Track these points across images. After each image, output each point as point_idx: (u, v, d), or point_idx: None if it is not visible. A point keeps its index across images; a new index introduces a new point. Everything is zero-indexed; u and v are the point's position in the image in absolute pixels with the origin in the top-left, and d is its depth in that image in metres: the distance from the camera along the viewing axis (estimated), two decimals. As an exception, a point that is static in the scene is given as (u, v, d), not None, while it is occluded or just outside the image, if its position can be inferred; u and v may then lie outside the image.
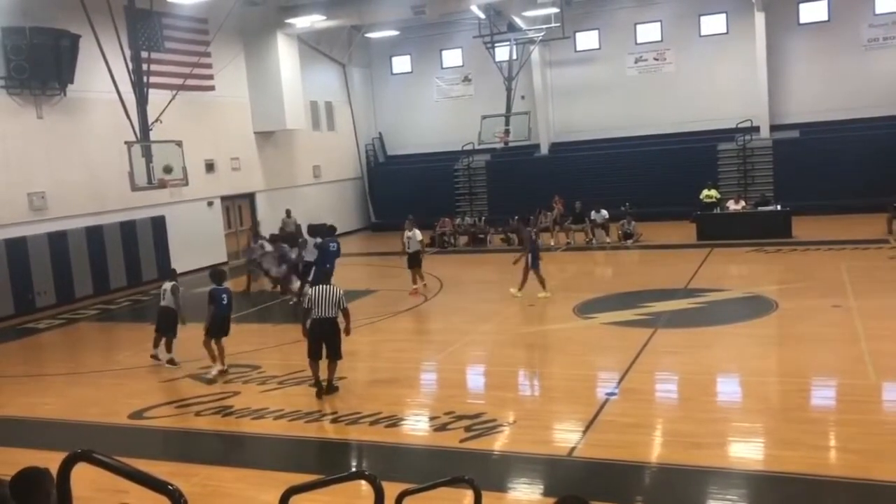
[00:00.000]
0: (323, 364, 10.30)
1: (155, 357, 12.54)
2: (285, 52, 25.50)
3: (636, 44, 29.14)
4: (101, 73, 17.36)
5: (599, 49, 29.70)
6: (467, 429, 8.68)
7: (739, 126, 26.64)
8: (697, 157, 27.15)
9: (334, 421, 9.44)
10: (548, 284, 15.82)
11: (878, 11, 26.12)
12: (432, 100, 32.23)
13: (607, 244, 22.79)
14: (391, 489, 4.99)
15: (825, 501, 6.91)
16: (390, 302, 16.60)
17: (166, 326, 12.43)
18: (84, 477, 3.17)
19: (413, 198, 27.42)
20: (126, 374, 12.30)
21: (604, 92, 29.31)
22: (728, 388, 10.15)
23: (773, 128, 27.27)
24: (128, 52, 17.45)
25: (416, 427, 9.25)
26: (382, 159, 32.98)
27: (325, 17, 25.05)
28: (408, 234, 17.57)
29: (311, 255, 16.75)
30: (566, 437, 8.56)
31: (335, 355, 10.27)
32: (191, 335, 12.77)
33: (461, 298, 16.77)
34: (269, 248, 18.65)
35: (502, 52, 28.03)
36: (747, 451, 7.93)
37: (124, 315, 17.82)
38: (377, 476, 4.76)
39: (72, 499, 2.94)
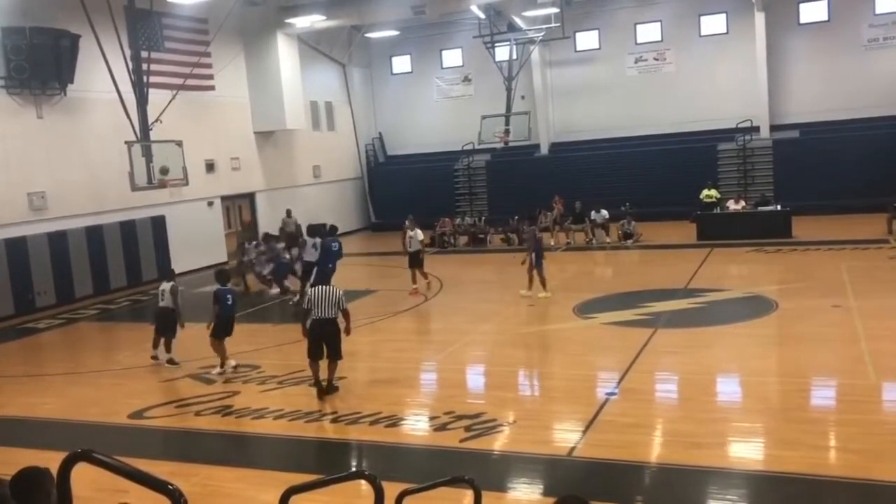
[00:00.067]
0: (323, 364, 10.30)
1: (155, 358, 12.55)
2: (285, 52, 25.50)
3: (636, 44, 29.14)
4: (101, 73, 17.36)
5: (599, 49, 29.70)
6: (467, 429, 8.68)
7: (739, 126, 26.64)
8: (697, 157, 27.15)
9: (334, 421, 9.44)
10: (548, 284, 15.81)
11: (878, 11, 26.12)
12: (432, 100, 32.24)
13: (607, 244, 22.79)
14: (391, 489, 5.00)
15: (825, 501, 6.91)
16: (390, 302, 16.60)
17: (165, 327, 12.43)
18: (84, 477, 3.16)
19: (413, 198, 27.40)
20: (126, 374, 12.30)
21: (604, 92, 29.31)
22: (728, 388, 10.14)
23: (773, 128, 27.27)
24: (128, 52, 17.45)
25: (416, 427, 9.25)
26: (382, 159, 32.98)
27: (325, 17, 25.05)
28: (410, 233, 17.59)
29: (310, 255, 16.73)
30: (566, 436, 8.56)
31: (335, 355, 10.27)
32: (190, 335, 12.77)
33: (461, 298, 16.77)
34: (262, 247, 18.66)
35: (502, 52, 28.03)
36: (747, 451, 7.93)
37: (124, 315, 17.82)
38: (377, 476, 4.76)
39: (72, 498, 2.94)
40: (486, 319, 14.42)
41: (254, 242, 19.01)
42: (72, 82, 18.64)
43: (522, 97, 29.42)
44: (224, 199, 24.50)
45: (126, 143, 17.37)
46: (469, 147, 28.86)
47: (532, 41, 27.74)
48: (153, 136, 17.78)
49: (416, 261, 17.36)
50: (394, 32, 29.92)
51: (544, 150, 30.41)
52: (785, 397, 9.42)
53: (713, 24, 28.09)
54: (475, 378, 11.61)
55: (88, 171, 19.49)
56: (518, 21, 27.40)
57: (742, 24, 27.21)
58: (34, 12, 18.00)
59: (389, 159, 33.04)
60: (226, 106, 24.37)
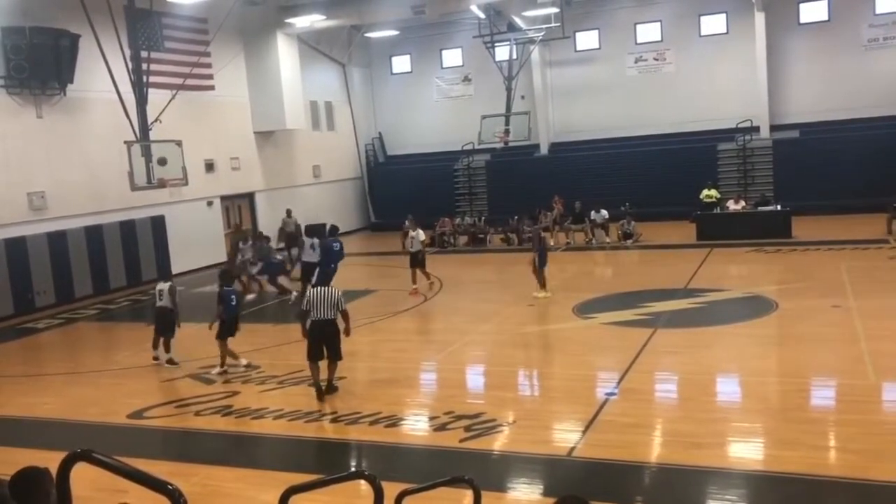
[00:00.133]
0: (323, 365, 10.29)
1: (156, 358, 12.56)
2: (285, 52, 25.50)
3: (636, 44, 29.15)
4: (100, 73, 17.36)
5: (599, 49, 29.71)
6: (467, 429, 8.68)
7: (739, 126, 26.64)
8: (697, 157, 27.15)
9: (334, 421, 9.44)
10: (549, 285, 15.80)
11: (878, 11, 26.13)
12: (432, 100, 32.23)
13: (607, 244, 22.79)
14: (391, 489, 4.99)
15: (825, 501, 6.91)
16: (390, 302, 16.59)
17: (164, 326, 12.43)
18: (84, 477, 3.16)
19: (413, 198, 27.42)
20: (125, 374, 12.30)
21: (604, 92, 29.31)
22: (728, 388, 10.14)
23: (773, 128, 27.28)
24: (128, 52, 17.46)
25: (416, 427, 9.25)
26: (382, 159, 32.97)
27: (324, 17, 25.05)
28: (411, 233, 17.63)
29: (308, 255, 16.74)
30: (566, 436, 8.56)
31: (335, 356, 10.26)
32: (191, 335, 12.77)
33: (461, 298, 16.77)
34: (256, 246, 18.63)
35: (502, 52, 28.03)
36: (747, 451, 7.93)
37: (124, 315, 17.82)
38: (377, 476, 4.76)
39: (71, 498, 2.94)
40: (485, 319, 14.42)
41: (249, 242, 18.99)
42: (71, 82, 18.64)
43: (522, 97, 29.42)
44: (224, 198, 24.49)
45: (126, 142, 17.38)
46: (469, 147, 28.86)
47: (532, 41, 27.74)
48: (153, 136, 17.78)
49: (416, 261, 17.36)
50: (394, 32, 29.92)
51: (544, 150, 30.41)
52: (785, 397, 9.42)
53: (713, 24, 28.09)
54: (475, 378, 11.61)
55: (88, 170, 19.49)
56: (518, 21, 27.40)
57: (742, 24, 27.22)
58: (34, 12, 17.99)
59: (389, 159, 33.03)
60: (225, 106, 24.37)
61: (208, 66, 23.04)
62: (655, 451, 8.00)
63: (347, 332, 10.46)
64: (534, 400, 10.39)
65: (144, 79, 17.61)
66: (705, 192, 24.22)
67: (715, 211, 23.10)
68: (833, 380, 10.02)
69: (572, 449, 8.03)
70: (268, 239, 19.55)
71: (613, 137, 29.06)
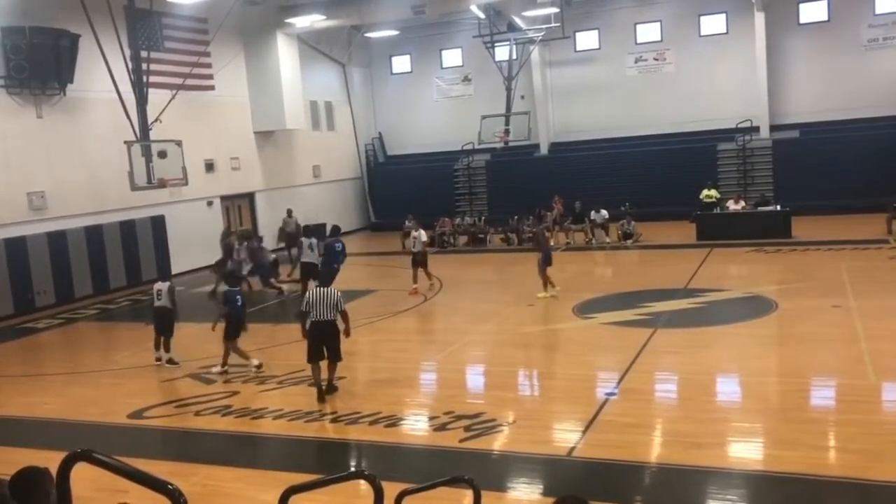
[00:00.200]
0: (323, 364, 10.28)
1: (159, 359, 12.55)
2: (285, 52, 25.50)
3: (636, 44, 29.14)
4: (100, 73, 17.36)
5: (599, 49, 29.70)
6: (467, 429, 8.68)
7: (739, 126, 26.64)
8: (697, 157, 27.15)
9: (334, 421, 9.44)
10: (550, 284, 15.77)
11: (878, 11, 26.13)
12: (432, 100, 32.23)
13: (607, 244, 22.79)
14: (391, 489, 4.99)
15: (825, 501, 6.91)
16: (390, 302, 16.59)
17: (164, 326, 12.43)
18: (84, 476, 3.16)
19: (413, 198, 27.43)
20: (125, 374, 12.30)
21: (604, 92, 29.31)
22: (728, 388, 10.15)
23: (773, 128, 27.28)
24: (127, 52, 17.46)
25: (416, 427, 9.25)
26: (382, 159, 32.97)
27: (324, 17, 25.05)
28: (413, 234, 17.67)
29: (307, 255, 16.74)
30: (566, 436, 8.56)
31: (335, 357, 10.25)
32: (191, 335, 12.77)
33: (461, 298, 16.77)
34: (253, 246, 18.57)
35: (502, 52, 28.02)
36: (747, 451, 7.93)
37: (124, 315, 17.82)
38: (377, 476, 4.76)
39: (71, 498, 2.94)
40: (485, 319, 14.42)
41: (244, 243, 18.96)
42: (71, 82, 18.64)
43: (522, 97, 29.42)
44: (224, 198, 24.50)
45: (126, 142, 17.37)
46: (469, 147, 28.86)
47: (532, 41, 27.74)
48: (153, 136, 17.78)
49: (417, 261, 17.36)
50: (394, 32, 29.92)
51: (544, 150, 30.41)
52: (784, 397, 9.42)
53: (713, 24, 28.09)
54: (475, 378, 11.61)
55: (88, 170, 19.49)
56: (518, 21, 27.40)
57: (742, 24, 27.22)
58: (34, 12, 17.99)
59: (389, 159, 33.03)
60: (225, 106, 24.37)
61: (208, 66, 23.04)
62: (655, 451, 8.00)
63: (347, 333, 10.45)
64: (534, 400, 10.39)
65: (144, 79, 17.60)
66: (705, 192, 24.22)
67: (715, 211, 23.10)
68: (833, 380, 10.02)
69: (572, 449, 8.03)
70: (260, 239, 19.55)
71: (613, 137, 29.06)
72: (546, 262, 15.71)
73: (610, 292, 16.22)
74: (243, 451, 8.94)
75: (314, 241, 16.99)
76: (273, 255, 19.09)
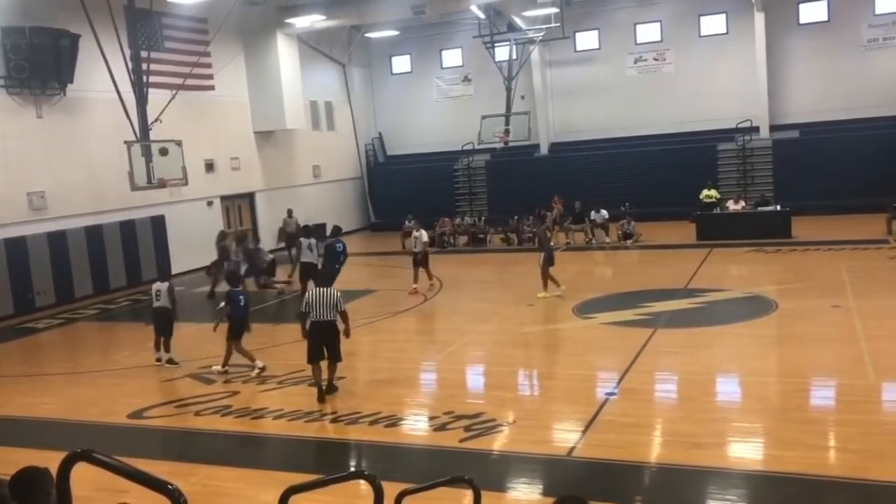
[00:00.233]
0: (323, 365, 10.28)
1: (159, 360, 12.55)
2: (285, 52, 25.50)
3: (636, 44, 29.14)
4: (100, 73, 17.36)
5: (599, 49, 29.71)
6: (467, 429, 8.68)
7: (739, 126, 26.64)
8: (697, 157, 27.15)
9: (334, 421, 9.44)
10: (552, 284, 15.75)
11: (878, 11, 26.12)
12: (432, 100, 32.23)
13: (607, 244, 22.79)
14: (390, 489, 5.00)
15: (825, 501, 6.91)
16: (390, 302, 16.59)
17: (164, 326, 12.43)
18: (84, 477, 3.16)
19: (413, 198, 27.44)
20: (125, 374, 12.30)
21: (604, 92, 29.31)
22: (728, 388, 10.15)
23: (773, 128, 27.28)
24: (127, 52, 17.46)
25: (416, 427, 9.25)
26: (382, 159, 32.97)
27: (325, 17, 25.05)
28: (415, 234, 17.70)
29: (306, 255, 16.73)
30: (566, 436, 8.56)
31: (335, 357, 10.25)
32: (191, 335, 12.77)
33: (461, 298, 16.78)
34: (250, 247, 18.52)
35: (502, 52, 28.03)
36: (747, 451, 7.93)
37: (124, 315, 17.81)
38: (377, 476, 4.76)
39: (71, 498, 2.94)
40: (485, 319, 14.42)
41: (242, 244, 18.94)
42: (71, 82, 18.64)
43: (522, 97, 29.42)
44: (224, 198, 24.50)
45: (126, 142, 17.38)
46: (469, 147, 28.86)
47: (532, 41, 27.74)
48: (153, 135, 17.78)
49: (418, 260, 17.37)
50: (394, 32, 29.92)
51: (544, 150, 30.41)
52: (784, 397, 9.42)
53: (713, 24, 28.09)
54: (475, 378, 11.61)
55: (88, 170, 19.49)
56: (518, 21, 27.40)
57: (742, 24, 27.22)
58: (34, 12, 17.99)
59: (389, 159, 33.03)
60: (225, 106, 24.37)
61: (208, 66, 23.04)
62: (655, 451, 8.00)
63: (347, 334, 10.44)
64: (534, 400, 10.39)
65: (144, 79, 17.60)
66: (705, 192, 24.22)
67: (715, 211, 23.10)
68: (833, 380, 10.02)
69: (572, 449, 8.03)
70: (257, 240, 19.52)
71: (613, 137, 29.06)
72: (548, 262, 15.70)
73: (610, 292, 16.22)
74: (243, 451, 8.94)
75: (313, 241, 16.99)
76: (271, 256, 19.08)
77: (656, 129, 28.30)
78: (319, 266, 16.10)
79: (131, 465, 2.82)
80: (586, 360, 11.66)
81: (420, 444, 8.75)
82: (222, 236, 18.81)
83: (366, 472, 5.34)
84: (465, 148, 29.20)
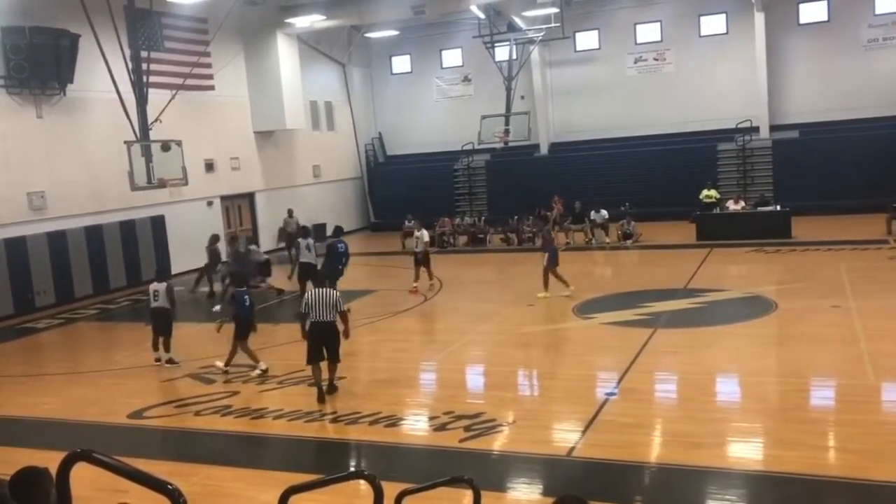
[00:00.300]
0: (323, 365, 10.27)
1: (158, 360, 12.54)
2: (285, 52, 25.50)
3: (636, 44, 29.15)
4: (100, 73, 17.36)
5: (599, 49, 29.71)
6: (467, 429, 8.68)
7: (739, 126, 26.64)
8: (697, 157, 27.16)
9: (334, 421, 9.44)
10: (550, 287, 15.74)
11: (878, 12, 26.13)
12: (432, 100, 32.24)
13: (607, 244, 22.79)
14: (390, 489, 5.00)
15: (825, 502, 6.91)
16: (390, 302, 16.60)
17: (164, 327, 12.43)
18: (83, 476, 3.17)
19: (413, 198, 27.45)
20: (125, 374, 12.30)
21: (604, 92, 29.31)
22: (728, 389, 10.14)
23: (773, 128, 27.28)
24: (127, 52, 17.46)
25: (416, 427, 9.25)
26: (382, 159, 32.98)
27: (324, 17, 25.05)
28: (416, 233, 17.72)
29: (305, 256, 16.73)
30: (565, 436, 8.56)
31: (335, 358, 10.24)
32: (191, 335, 12.76)
33: (461, 298, 16.78)
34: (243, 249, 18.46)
35: (502, 52, 28.03)
36: (747, 452, 7.93)
37: (124, 315, 17.81)
38: (376, 476, 4.76)
39: (71, 498, 2.94)
40: (485, 319, 14.42)
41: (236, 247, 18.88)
42: (71, 82, 18.63)
43: (522, 97, 29.42)
44: (224, 198, 24.50)
45: (126, 142, 17.38)
46: (469, 147, 28.86)
47: (532, 41, 27.74)
48: (153, 136, 17.78)
49: (419, 260, 17.37)
50: (394, 32, 29.92)
51: (544, 150, 30.41)
52: (784, 397, 9.42)
53: (713, 24, 28.09)
54: (475, 378, 11.61)
55: (88, 170, 19.49)
56: (518, 21, 27.40)
57: (742, 24, 27.22)
58: (34, 12, 17.99)
59: (389, 159, 33.03)
60: (225, 106, 24.37)
61: (208, 66, 23.04)
62: (655, 451, 8.00)
63: (346, 335, 10.41)
64: (533, 400, 10.39)
65: (144, 79, 17.61)
66: (705, 192, 24.23)
67: (715, 211, 23.10)
68: (833, 380, 10.02)
69: (572, 449, 8.03)
70: (249, 241, 19.48)
71: (613, 137, 29.06)
72: (552, 262, 15.67)
73: (610, 292, 16.23)
74: (243, 451, 8.94)
75: (311, 241, 17.01)
76: (265, 256, 19.01)
77: (656, 129, 28.30)
78: (319, 266, 16.08)
79: (131, 465, 2.82)
80: (586, 360, 11.66)
81: (420, 444, 8.75)
82: (214, 240, 18.77)
83: (366, 472, 5.34)
84: (465, 148, 29.20)
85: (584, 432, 8.43)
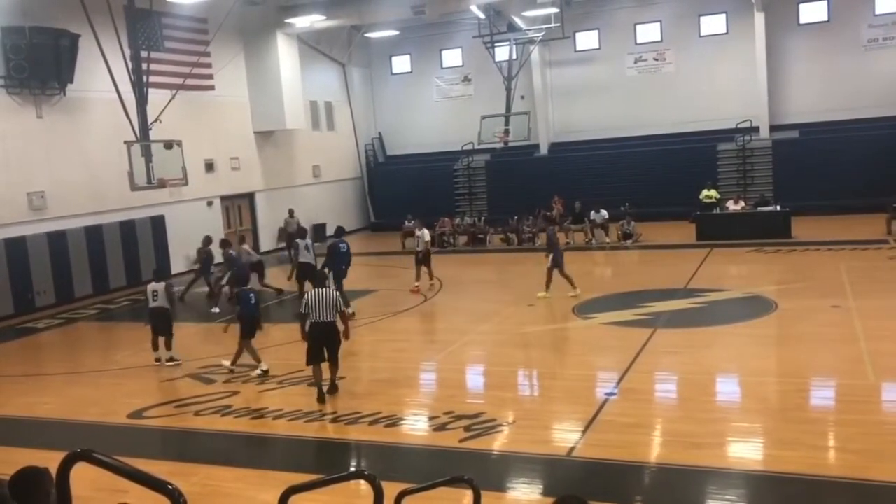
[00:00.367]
0: (324, 365, 10.26)
1: (158, 360, 12.54)
2: (285, 52, 25.50)
3: (636, 44, 29.15)
4: (100, 73, 17.36)
5: (599, 49, 29.71)
6: (467, 429, 8.68)
7: (739, 126, 26.64)
8: (697, 157, 27.16)
9: (334, 421, 9.44)
10: (555, 287, 15.70)
11: (878, 12, 26.14)
12: (432, 100, 32.24)
13: (607, 244, 22.79)
14: (390, 489, 5.00)
15: (824, 502, 6.91)
16: (390, 302, 16.60)
17: (164, 326, 12.43)
18: (83, 476, 3.17)
19: (413, 198, 27.45)
20: (125, 374, 12.30)
21: (604, 92, 29.32)
22: (727, 389, 10.14)
23: (773, 128, 27.28)
24: (127, 52, 17.46)
25: (416, 427, 9.25)
26: (382, 159, 32.98)
27: (324, 17, 25.05)
28: (417, 233, 17.74)
29: (303, 256, 16.74)
30: (565, 436, 8.56)
31: (335, 359, 10.22)
32: (191, 334, 12.76)
33: (461, 298, 16.78)
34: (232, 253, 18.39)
35: (502, 52, 28.02)
36: (747, 452, 7.93)
37: (124, 315, 17.81)
38: (376, 476, 4.76)
39: (71, 498, 2.95)
40: (485, 319, 14.42)
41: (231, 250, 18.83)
42: (71, 82, 18.63)
43: (522, 97, 29.42)
44: (224, 198, 24.50)
45: (125, 142, 17.37)
46: (469, 147, 28.86)
47: (532, 41, 27.74)
48: (153, 136, 17.77)
49: (420, 259, 17.38)
50: (394, 32, 29.93)
51: (544, 150, 30.41)
52: (784, 397, 9.42)
53: (713, 24, 28.10)
54: (475, 378, 11.61)
55: (88, 170, 19.49)
56: (518, 21, 27.40)
57: (742, 24, 27.22)
58: (34, 12, 17.99)
59: (389, 159, 33.04)
60: (225, 106, 24.37)
61: (208, 66, 23.03)
62: (655, 451, 8.00)
63: (346, 335, 10.37)
64: (533, 400, 10.39)
65: (144, 79, 17.60)
66: (705, 192, 24.23)
67: (715, 211, 23.10)
68: (833, 380, 10.02)
69: (572, 449, 8.03)
70: (241, 240, 19.43)
71: (613, 137, 29.06)
72: (556, 263, 15.63)
73: (610, 292, 16.23)
74: (243, 451, 8.95)
75: (309, 241, 17.02)
76: (257, 257, 18.96)
77: (656, 129, 28.31)
78: (327, 268, 16.08)
79: (131, 465, 2.82)
80: (586, 360, 11.66)
81: (420, 444, 8.75)
82: (207, 242, 18.73)
83: (366, 472, 5.35)
84: (465, 148, 29.20)
85: (584, 432, 8.43)
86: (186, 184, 19.16)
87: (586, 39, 29.83)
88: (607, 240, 23.02)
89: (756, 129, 27.04)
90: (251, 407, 10.06)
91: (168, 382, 11.67)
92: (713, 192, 24.28)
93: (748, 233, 20.97)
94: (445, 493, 6.10)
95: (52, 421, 10.20)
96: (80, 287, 18.98)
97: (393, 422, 9.17)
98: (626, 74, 29.35)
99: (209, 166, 23.58)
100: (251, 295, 11.82)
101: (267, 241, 26.00)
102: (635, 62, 29.25)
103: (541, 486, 7.46)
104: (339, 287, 14.63)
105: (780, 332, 12.60)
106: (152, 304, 12.44)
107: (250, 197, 25.83)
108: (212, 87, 23.55)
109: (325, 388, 10.13)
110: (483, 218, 26.23)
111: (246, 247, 19.25)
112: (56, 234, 18.48)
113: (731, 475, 7.23)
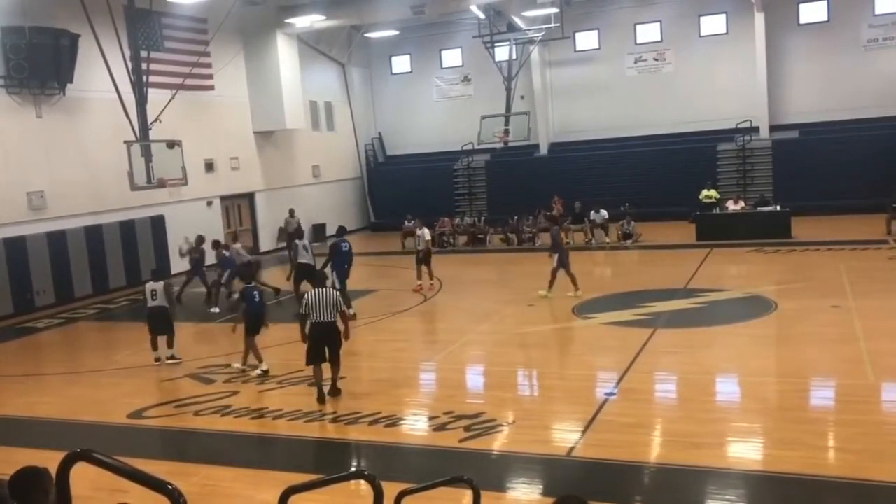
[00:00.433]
0: (325, 366, 10.25)
1: (158, 359, 12.53)
2: (285, 52, 25.51)
3: (636, 44, 29.15)
4: (100, 73, 17.36)
5: (599, 49, 29.71)
6: (466, 429, 8.68)
7: (739, 126, 26.64)
8: (697, 157, 27.16)
9: (334, 421, 9.44)
10: (556, 286, 15.69)
11: (877, 12, 26.14)
12: (432, 100, 32.24)
13: (607, 244, 22.79)
14: (390, 489, 5.00)
15: (824, 502, 6.91)
16: (390, 302, 16.59)
17: (164, 326, 12.42)
18: (83, 476, 3.17)
19: (412, 198, 27.46)
20: (125, 374, 12.30)
21: (603, 92, 29.32)
22: (727, 389, 10.14)
23: (773, 128, 27.28)
24: (127, 52, 17.47)
25: (416, 427, 9.25)
26: (382, 159, 32.98)
27: (324, 17, 25.06)
28: (418, 232, 17.76)
29: (302, 256, 16.74)
30: (565, 436, 8.56)
31: (336, 359, 10.21)
32: (189, 334, 12.75)
33: (461, 298, 16.77)
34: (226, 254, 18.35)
35: (502, 52, 28.02)
36: (746, 452, 7.93)
37: (123, 315, 17.80)
38: (376, 476, 4.76)
39: (71, 498, 2.95)
40: (485, 319, 14.42)
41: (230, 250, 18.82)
42: (71, 82, 18.63)
43: (522, 97, 29.42)
44: (223, 198, 24.50)
45: (125, 142, 17.37)
46: (469, 147, 28.86)
47: (532, 41, 27.74)
48: (152, 135, 17.77)
49: (420, 259, 17.38)
50: (393, 32, 29.93)
51: (544, 150, 30.41)
52: (784, 397, 9.42)
53: (713, 24, 28.10)
54: (474, 378, 11.61)
55: (87, 170, 19.48)
56: (518, 21, 27.40)
57: (742, 24, 27.22)
58: (34, 12, 17.99)
59: (389, 159, 33.04)
60: (225, 106, 24.37)
61: (208, 66, 23.03)
62: (655, 451, 8.00)
63: (346, 335, 10.33)
64: (533, 400, 10.39)
65: (144, 79, 17.61)
66: (705, 192, 24.25)
67: (714, 211, 23.11)
68: (832, 380, 10.02)
69: (572, 449, 8.03)
70: (233, 238, 19.41)
71: (613, 137, 29.06)
72: (562, 263, 15.62)
73: (610, 292, 16.23)
74: (243, 451, 8.94)
75: (307, 242, 17.03)
76: (249, 258, 18.96)
77: (656, 129, 28.31)
78: (330, 268, 16.07)
79: (131, 465, 2.82)
80: (586, 360, 11.66)
81: (420, 444, 8.75)
82: (200, 241, 18.72)
83: (366, 472, 5.35)
84: (464, 148, 29.20)
85: (583, 432, 8.42)
86: (186, 184, 19.16)
87: (586, 39, 29.83)
88: (607, 240, 23.02)
89: (756, 129, 27.04)
90: (251, 407, 10.05)
91: (168, 382, 11.67)
92: (713, 192, 24.29)
93: (748, 233, 20.97)
94: (445, 493, 6.10)
95: (51, 421, 10.19)
96: (79, 287, 18.98)
97: (393, 422, 9.17)
98: (626, 74, 29.35)
99: (209, 166, 23.58)
100: (255, 292, 11.81)
101: (267, 241, 26.00)
102: (635, 62, 29.26)
103: (541, 486, 7.46)
104: (342, 287, 14.62)
105: (779, 332, 12.60)
106: (151, 304, 12.44)
107: (250, 197, 25.83)
108: (212, 87, 23.55)
109: (325, 388, 10.12)
110: (483, 218, 26.22)
111: (238, 246, 19.17)
112: (56, 234, 18.48)
113: (731, 475, 7.23)
